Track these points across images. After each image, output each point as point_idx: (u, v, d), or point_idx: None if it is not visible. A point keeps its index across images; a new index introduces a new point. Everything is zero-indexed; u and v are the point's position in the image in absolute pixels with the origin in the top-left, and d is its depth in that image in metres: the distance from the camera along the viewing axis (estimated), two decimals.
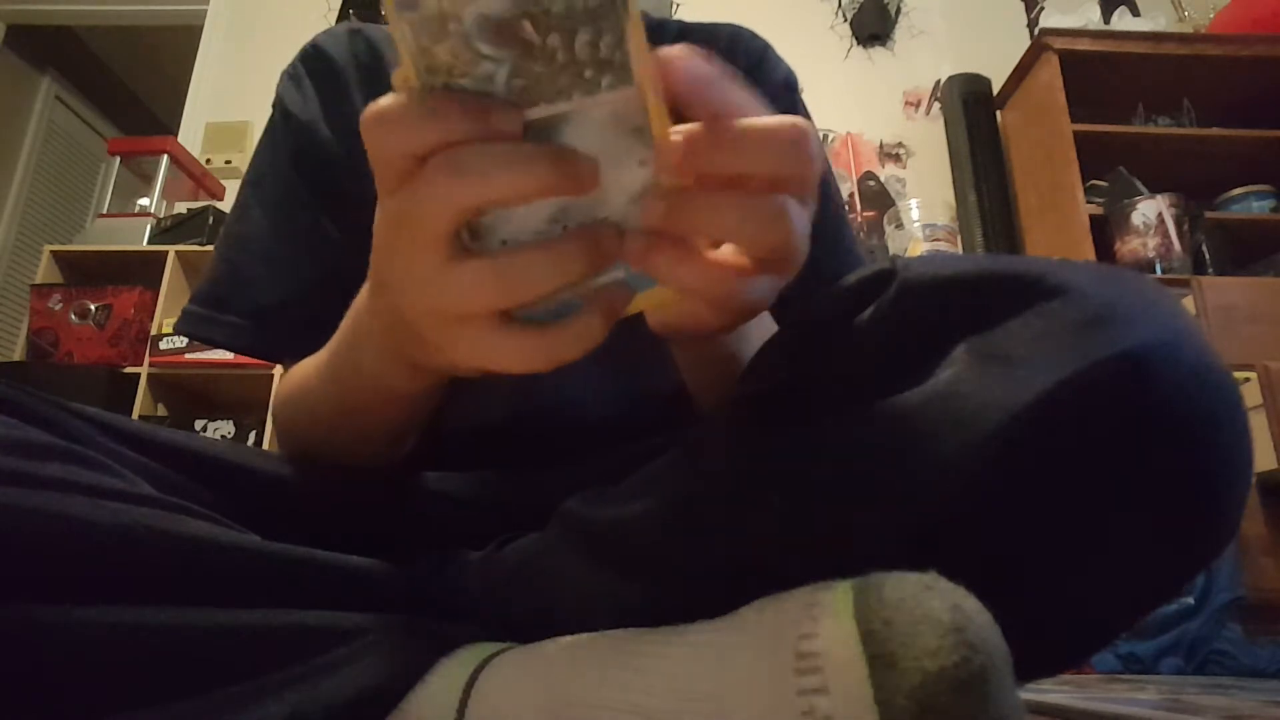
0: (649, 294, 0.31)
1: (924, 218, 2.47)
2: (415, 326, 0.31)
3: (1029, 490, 0.26)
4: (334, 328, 0.44)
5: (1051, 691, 1.02)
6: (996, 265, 0.30)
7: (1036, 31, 2.56)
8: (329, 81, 0.56)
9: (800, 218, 0.28)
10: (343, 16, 2.77)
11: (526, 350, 0.28)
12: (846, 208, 2.58)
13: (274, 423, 0.53)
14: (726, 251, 0.30)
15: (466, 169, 0.26)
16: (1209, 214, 2.35)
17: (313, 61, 0.57)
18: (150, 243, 2.31)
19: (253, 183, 0.55)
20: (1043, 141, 2.43)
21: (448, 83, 0.26)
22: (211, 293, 0.53)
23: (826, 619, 0.24)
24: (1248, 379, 1.54)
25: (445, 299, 0.28)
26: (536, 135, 0.27)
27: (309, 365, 0.47)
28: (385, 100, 0.27)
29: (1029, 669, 0.30)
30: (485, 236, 0.28)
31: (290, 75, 0.57)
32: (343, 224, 0.54)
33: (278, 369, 0.50)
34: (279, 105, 0.56)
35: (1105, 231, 2.27)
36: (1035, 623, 0.27)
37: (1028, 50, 2.50)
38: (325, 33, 0.59)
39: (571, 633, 0.33)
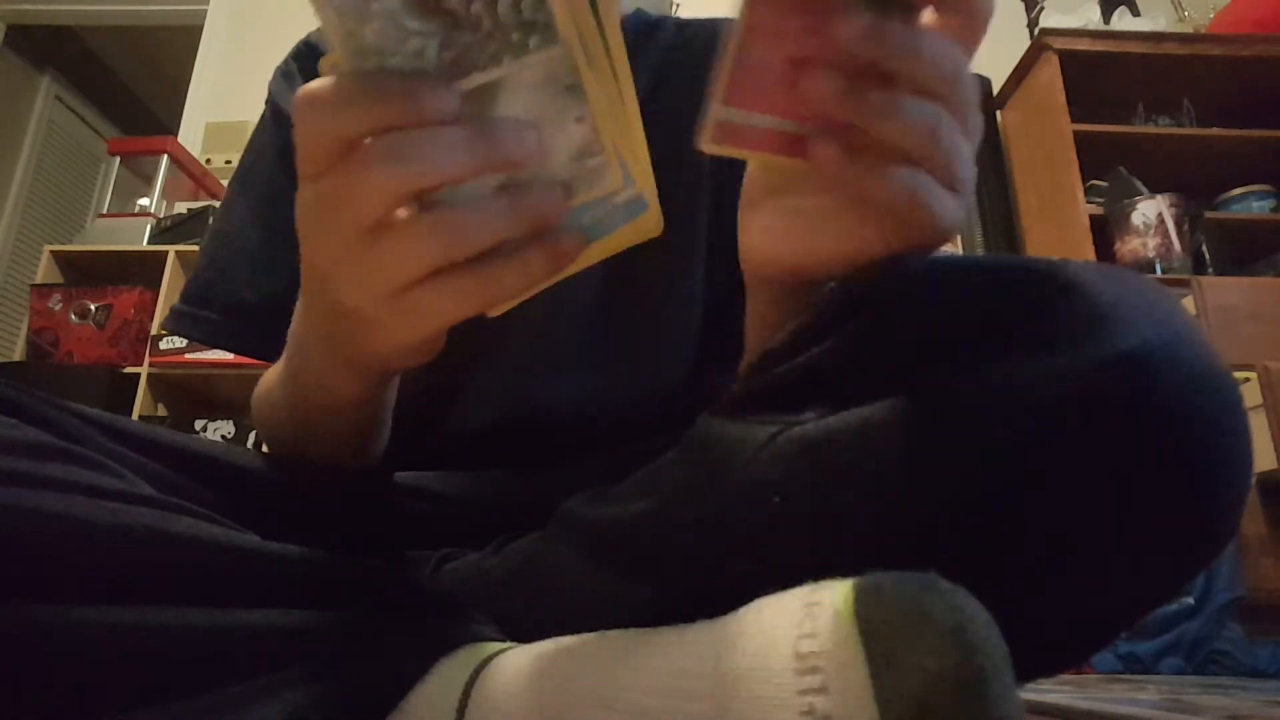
0: (632, 225, 0.31)
1: None
2: (357, 311, 0.30)
3: (1028, 490, 0.26)
4: None
5: (1051, 691, 1.02)
6: (1002, 263, 0.30)
7: (1036, 31, 2.55)
8: None
9: (956, 135, 0.28)
10: None
11: (468, 291, 0.28)
12: None
13: (254, 424, 0.53)
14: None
15: (404, 156, 0.26)
16: (1209, 214, 2.35)
17: (306, 59, 0.57)
18: (150, 243, 2.31)
19: (240, 179, 0.55)
20: (1043, 141, 2.43)
21: (379, 64, 0.26)
22: (195, 290, 0.53)
23: (826, 619, 0.24)
24: (1248, 379, 1.54)
25: (386, 268, 0.28)
26: (472, 104, 0.27)
27: (278, 365, 0.47)
28: (318, 82, 0.26)
29: (1029, 669, 0.30)
30: (435, 208, 0.29)
31: (283, 73, 0.57)
32: None
33: None
34: (270, 103, 0.56)
35: (1105, 231, 2.27)
36: (1035, 623, 0.27)
37: (1028, 50, 2.50)
38: (319, 30, 0.59)
39: (571, 633, 0.33)
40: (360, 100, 0.26)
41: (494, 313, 0.30)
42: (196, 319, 0.52)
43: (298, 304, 0.39)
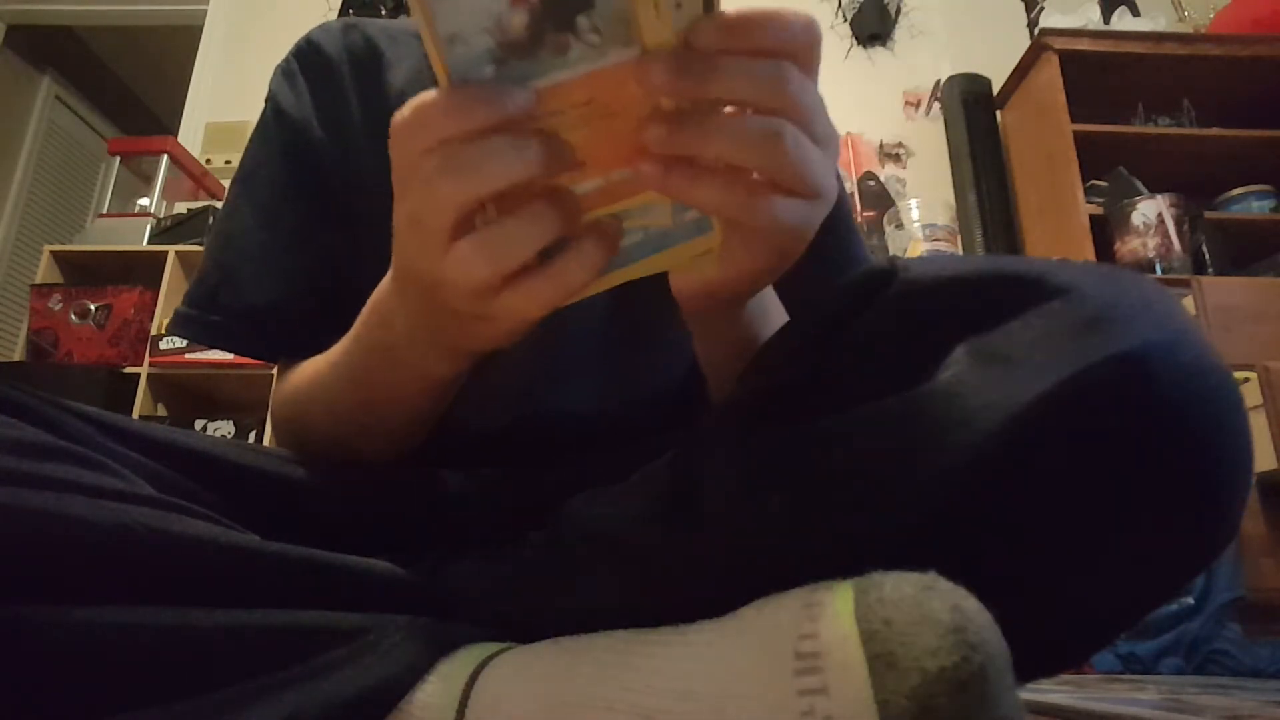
0: (682, 248, 0.32)
1: (924, 218, 2.47)
2: (457, 310, 0.32)
3: (1029, 490, 0.26)
4: (326, 324, 0.44)
5: (1051, 691, 1.02)
6: (997, 266, 0.30)
7: (1036, 31, 2.55)
8: (323, 78, 0.56)
9: (801, 143, 0.28)
10: (343, 16, 2.77)
11: (540, 289, 0.30)
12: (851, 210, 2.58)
13: (274, 420, 0.53)
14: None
15: (461, 168, 0.27)
16: (1209, 214, 2.34)
17: (307, 57, 0.56)
18: (150, 243, 2.31)
19: (242, 180, 0.55)
20: (1043, 141, 2.43)
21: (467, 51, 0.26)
22: (201, 293, 0.53)
23: (826, 619, 0.24)
24: (1247, 379, 1.54)
25: (466, 277, 0.30)
26: (547, 101, 0.28)
27: (321, 361, 0.47)
28: (410, 103, 0.28)
29: (1029, 669, 0.30)
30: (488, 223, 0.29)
31: (284, 71, 0.56)
32: (334, 221, 0.54)
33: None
34: (271, 101, 0.56)
35: (1105, 231, 2.27)
36: (1035, 623, 0.27)
37: (1028, 50, 2.50)
38: (320, 28, 0.58)
39: (571, 633, 0.33)
40: (447, 114, 0.27)
41: (564, 302, 0.32)
42: (202, 323, 0.52)
43: (376, 294, 0.41)
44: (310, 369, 0.48)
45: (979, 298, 0.29)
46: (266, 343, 0.53)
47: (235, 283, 0.52)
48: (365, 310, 0.42)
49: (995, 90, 2.67)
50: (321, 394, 0.47)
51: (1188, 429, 0.26)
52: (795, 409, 0.32)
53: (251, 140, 0.56)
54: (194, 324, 0.52)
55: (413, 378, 0.41)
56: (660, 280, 0.38)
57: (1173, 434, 0.26)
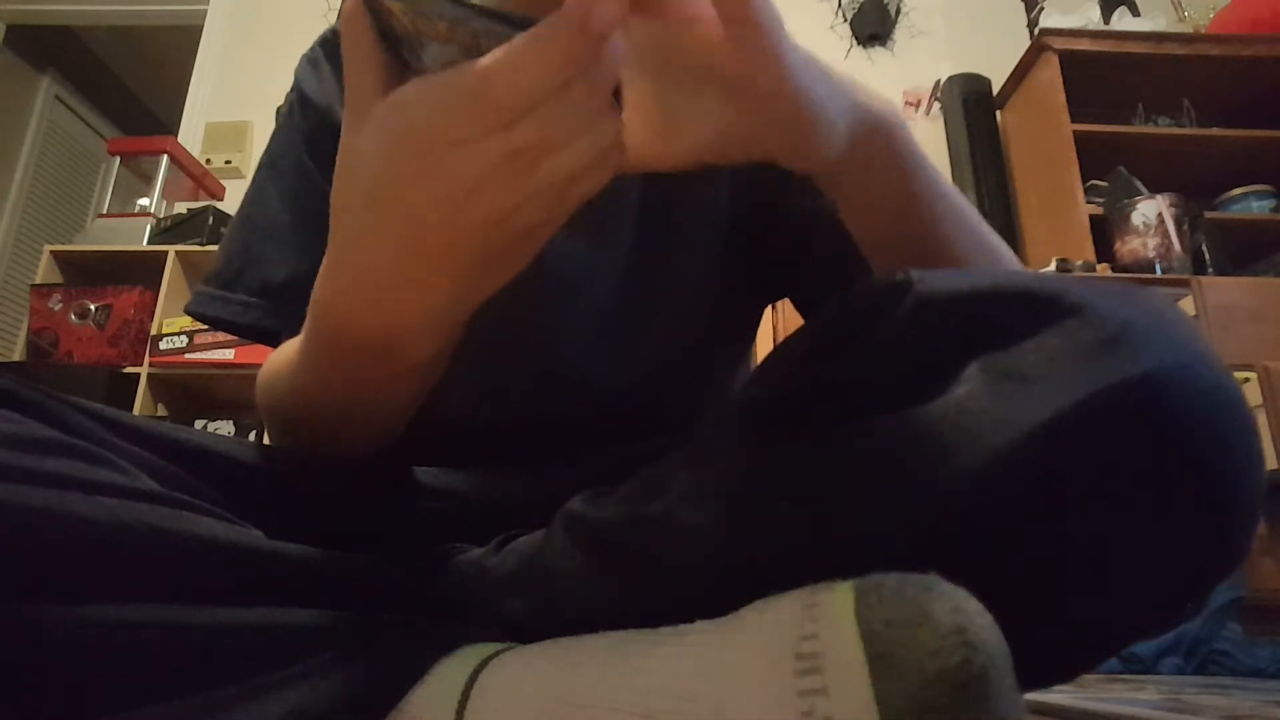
0: None
1: None
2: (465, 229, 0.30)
3: (1040, 508, 0.26)
4: None
5: (1051, 691, 1.02)
6: (1013, 282, 0.30)
7: (1036, 31, 2.56)
8: None
9: None
10: None
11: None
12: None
13: (260, 408, 0.52)
14: None
15: None
16: (1209, 214, 2.35)
17: (332, 47, 0.58)
18: (150, 243, 2.31)
19: (267, 165, 0.56)
20: (1043, 141, 2.43)
21: None
22: (223, 273, 0.53)
23: (827, 619, 0.24)
24: (1247, 379, 1.54)
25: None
26: None
27: (288, 353, 0.45)
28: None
29: (1034, 677, 0.30)
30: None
31: (309, 59, 0.58)
32: None
33: None
34: (296, 88, 0.57)
35: (1105, 231, 2.27)
36: (1042, 634, 0.27)
37: (1028, 50, 2.50)
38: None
39: (571, 633, 0.33)
40: None
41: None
42: (224, 300, 0.52)
43: (324, 292, 0.37)
44: (280, 359, 0.47)
45: (994, 314, 0.29)
46: (284, 323, 0.51)
47: (256, 262, 0.52)
48: (313, 307, 0.39)
49: (995, 90, 2.67)
50: (296, 381, 0.44)
51: (1202, 452, 0.26)
52: (805, 418, 0.32)
53: (276, 128, 0.57)
54: (213, 302, 0.52)
55: (385, 357, 0.37)
56: (666, 274, 0.37)
57: (1187, 456, 0.26)
